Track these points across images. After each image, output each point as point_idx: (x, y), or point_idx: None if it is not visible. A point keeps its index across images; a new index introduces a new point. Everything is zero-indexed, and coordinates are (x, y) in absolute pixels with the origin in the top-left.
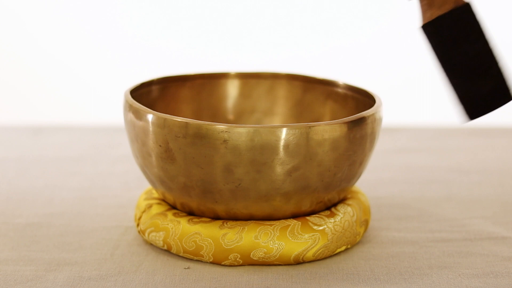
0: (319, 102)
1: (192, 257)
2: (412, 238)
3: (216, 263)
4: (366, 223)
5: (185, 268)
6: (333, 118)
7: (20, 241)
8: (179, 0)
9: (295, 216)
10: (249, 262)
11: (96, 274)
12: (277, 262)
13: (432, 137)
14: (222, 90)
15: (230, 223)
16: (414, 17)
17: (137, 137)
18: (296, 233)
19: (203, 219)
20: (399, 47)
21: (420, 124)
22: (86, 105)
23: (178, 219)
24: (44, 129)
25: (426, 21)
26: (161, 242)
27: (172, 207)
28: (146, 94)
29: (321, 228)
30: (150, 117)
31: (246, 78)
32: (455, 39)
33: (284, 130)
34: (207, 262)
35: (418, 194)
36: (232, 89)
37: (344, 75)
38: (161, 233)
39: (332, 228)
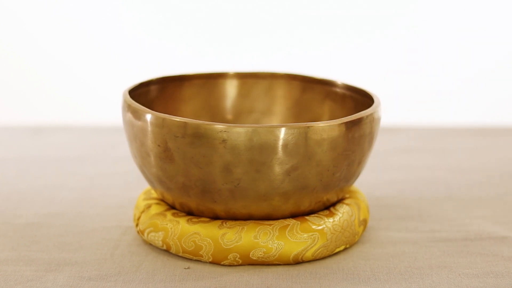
0: (318, 102)
1: (192, 257)
2: (412, 238)
3: (215, 263)
4: (365, 222)
5: (185, 268)
6: (332, 117)
7: (20, 241)
8: (178, 0)
9: (294, 215)
10: (248, 262)
11: (96, 274)
12: (277, 262)
13: (432, 137)
14: (221, 90)
15: (229, 223)
16: (413, 16)
17: (136, 137)
18: (295, 233)
19: (202, 219)
20: (398, 46)
21: (420, 124)
22: (86, 105)
23: (177, 219)
24: (44, 129)
25: None
26: (160, 242)
27: (171, 207)
28: (144, 94)
29: (320, 227)
30: (148, 117)
31: (245, 78)
32: None
33: (283, 130)
34: (206, 262)
35: (418, 194)
36: (231, 89)
37: (343, 75)
38: (160, 233)
39: (331, 228)
